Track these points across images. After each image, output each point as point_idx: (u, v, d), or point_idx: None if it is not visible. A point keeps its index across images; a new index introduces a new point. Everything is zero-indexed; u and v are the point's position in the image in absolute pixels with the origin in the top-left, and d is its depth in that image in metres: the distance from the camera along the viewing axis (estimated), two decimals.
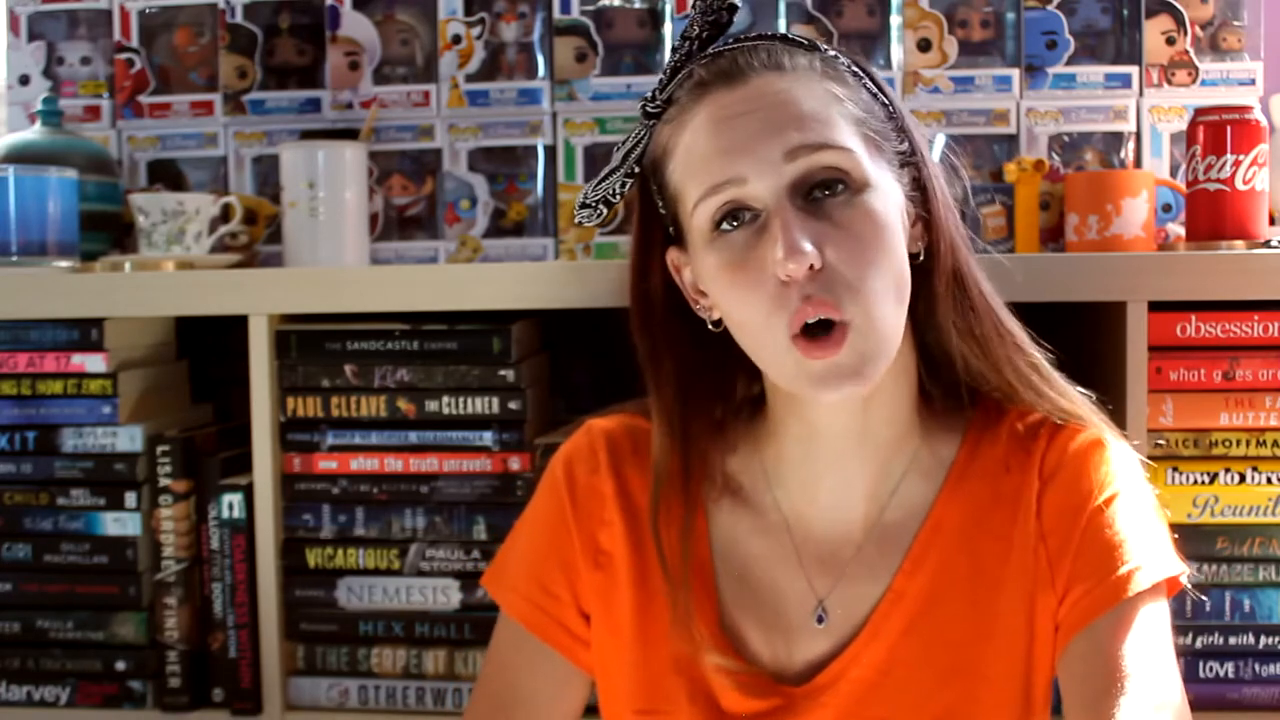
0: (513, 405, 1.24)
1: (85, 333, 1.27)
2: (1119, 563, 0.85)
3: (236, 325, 1.25)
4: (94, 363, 1.27)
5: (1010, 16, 1.48)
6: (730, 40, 0.89)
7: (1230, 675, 1.16)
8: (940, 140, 1.46)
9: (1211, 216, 1.23)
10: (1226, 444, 1.15)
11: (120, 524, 1.28)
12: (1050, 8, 1.47)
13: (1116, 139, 1.47)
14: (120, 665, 1.28)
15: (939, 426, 0.94)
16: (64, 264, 1.34)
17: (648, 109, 0.89)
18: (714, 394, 0.95)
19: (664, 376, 0.93)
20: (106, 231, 1.50)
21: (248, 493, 1.26)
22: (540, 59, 1.53)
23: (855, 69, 0.88)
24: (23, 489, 1.29)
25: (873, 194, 0.84)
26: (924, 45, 1.48)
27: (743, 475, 0.96)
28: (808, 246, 0.80)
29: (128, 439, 1.28)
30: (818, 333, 0.81)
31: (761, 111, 0.83)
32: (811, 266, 0.80)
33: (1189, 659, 1.15)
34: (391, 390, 1.25)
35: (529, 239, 1.53)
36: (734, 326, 0.87)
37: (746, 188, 0.83)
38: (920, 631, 0.89)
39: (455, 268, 1.43)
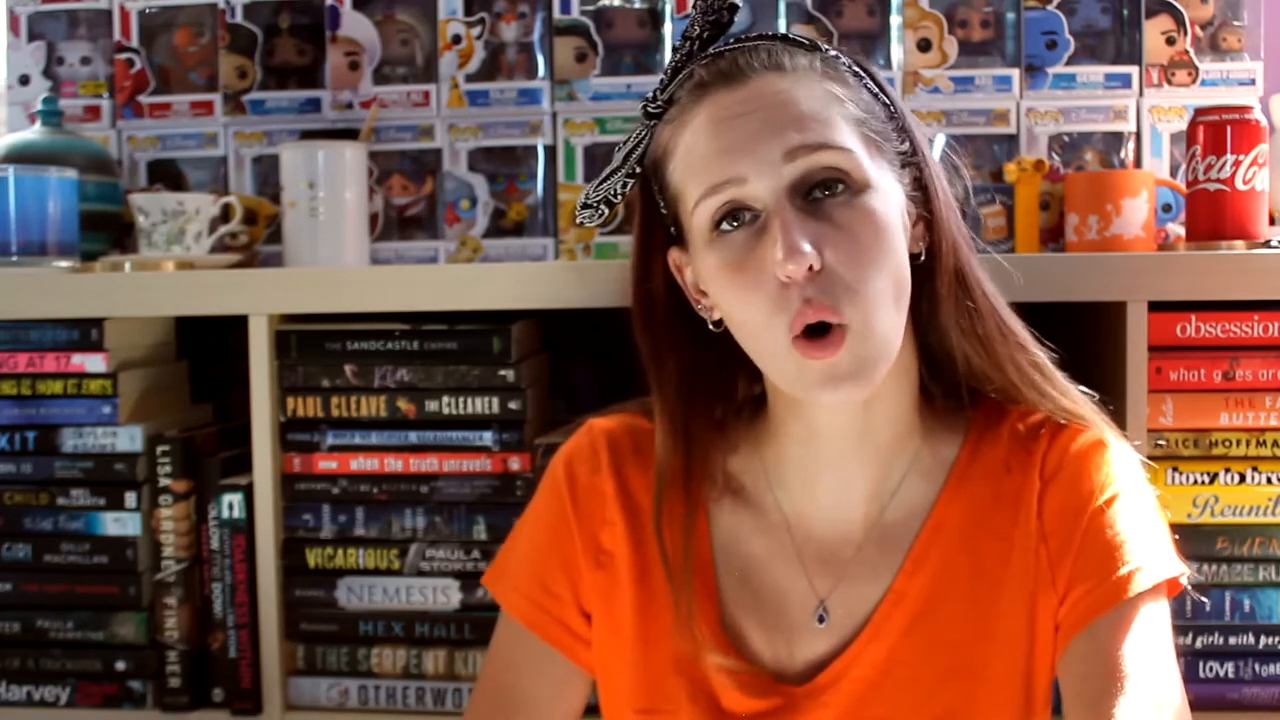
0: (513, 405, 1.24)
1: (85, 333, 1.27)
2: (1120, 563, 0.85)
3: (236, 325, 1.25)
4: (94, 363, 1.27)
5: (1010, 16, 1.48)
6: (731, 40, 0.89)
7: (1230, 675, 1.16)
8: (941, 140, 1.46)
9: (1211, 216, 1.23)
10: (1226, 444, 1.15)
11: (120, 524, 1.27)
12: (1050, 8, 1.47)
13: (1116, 139, 1.47)
14: (120, 665, 1.28)
15: (940, 426, 0.94)
16: (64, 264, 1.34)
17: (648, 109, 0.89)
18: (715, 394, 0.96)
19: (666, 376, 0.93)
20: (106, 231, 1.50)
21: (248, 493, 1.26)
22: (540, 59, 1.53)
23: (856, 69, 0.88)
24: (23, 489, 1.29)
25: (873, 194, 0.84)
26: (924, 45, 1.48)
27: (744, 475, 0.96)
28: (807, 247, 0.80)
29: (128, 439, 1.28)
30: (817, 333, 0.82)
31: (761, 112, 0.83)
32: (811, 268, 0.80)
33: (1189, 659, 1.15)
34: (391, 390, 1.25)
35: (529, 239, 1.53)
36: (735, 327, 0.87)
37: (746, 188, 0.83)
38: (921, 631, 0.89)
39: (455, 268, 1.43)
